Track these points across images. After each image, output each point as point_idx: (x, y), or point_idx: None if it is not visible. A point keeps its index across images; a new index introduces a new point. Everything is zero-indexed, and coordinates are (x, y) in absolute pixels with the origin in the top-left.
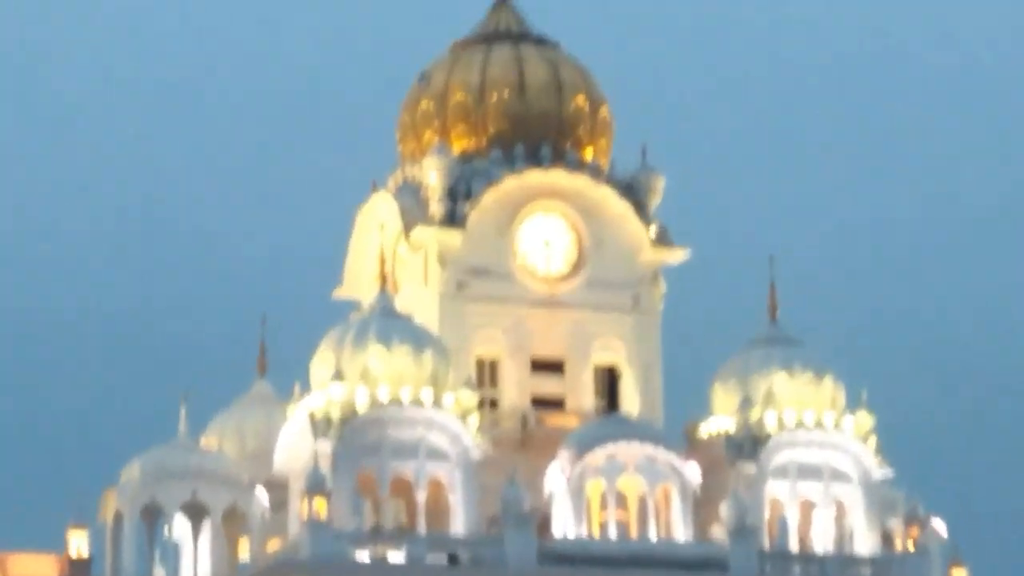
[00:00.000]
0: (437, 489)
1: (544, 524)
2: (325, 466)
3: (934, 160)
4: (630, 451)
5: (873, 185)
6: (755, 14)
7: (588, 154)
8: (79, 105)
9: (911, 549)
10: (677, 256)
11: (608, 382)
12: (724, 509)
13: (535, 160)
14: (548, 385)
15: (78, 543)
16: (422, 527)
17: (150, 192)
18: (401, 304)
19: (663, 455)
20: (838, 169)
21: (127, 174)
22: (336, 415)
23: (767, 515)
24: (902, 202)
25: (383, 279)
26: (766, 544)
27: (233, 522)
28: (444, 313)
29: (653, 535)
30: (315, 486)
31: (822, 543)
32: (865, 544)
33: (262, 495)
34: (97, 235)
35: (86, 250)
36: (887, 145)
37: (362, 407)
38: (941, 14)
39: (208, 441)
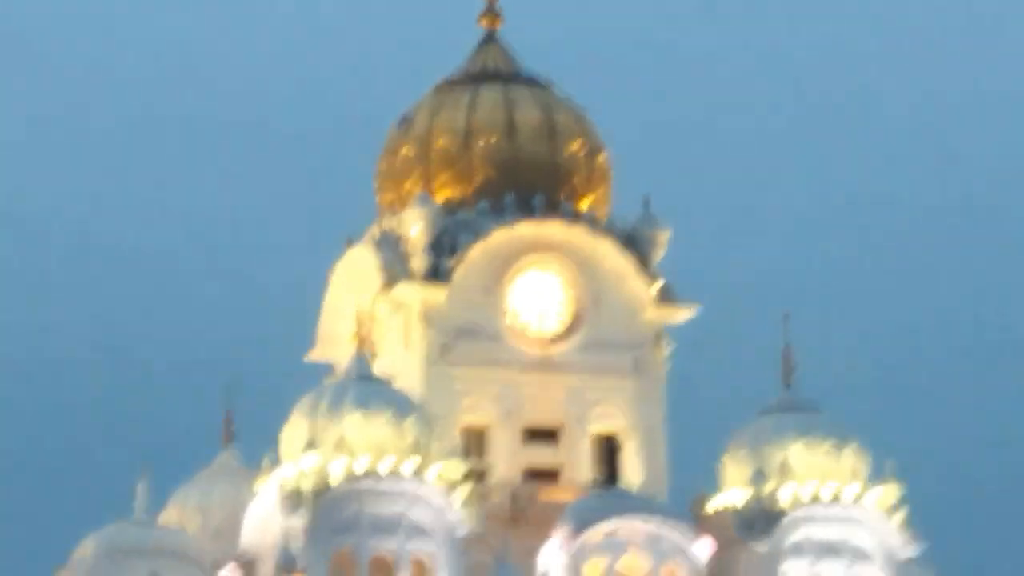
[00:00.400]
0: (420, 570)
1: None
2: (297, 544)
3: (956, 205)
4: (632, 528)
5: (902, 239)
6: (773, 52)
7: (585, 204)
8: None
9: None
10: (683, 315)
11: (607, 452)
12: None
13: (527, 211)
14: (542, 456)
15: None
16: None
17: (108, 243)
18: (380, 368)
19: (669, 532)
20: (858, 220)
21: (85, 220)
22: (309, 488)
23: None
24: (927, 251)
25: (360, 341)
26: None
27: None
28: (428, 377)
29: None
30: (286, 566)
31: None
32: None
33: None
34: (49, 280)
35: (37, 298)
36: (909, 194)
37: (337, 479)
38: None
39: (168, 517)
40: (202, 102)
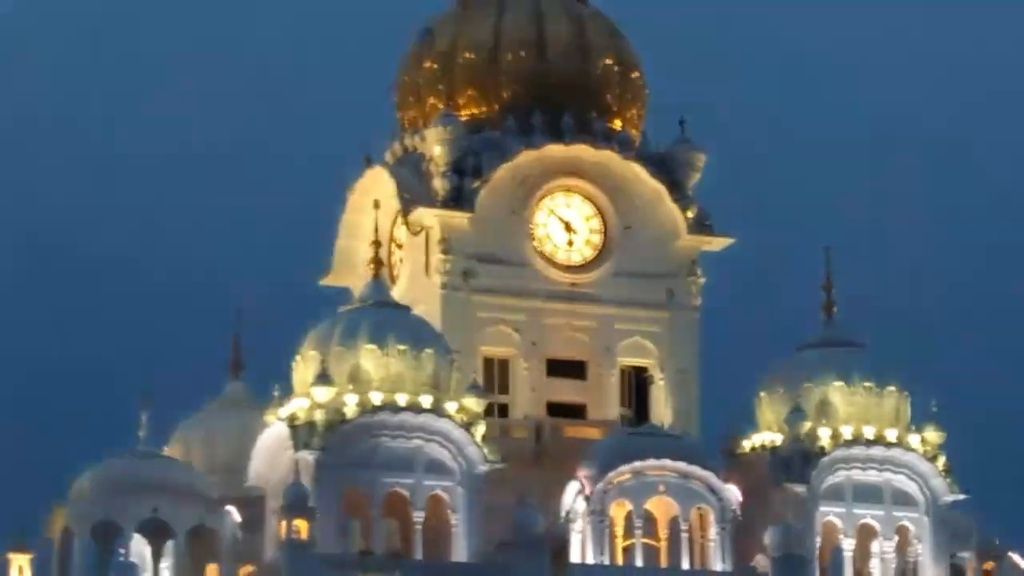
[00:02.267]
0: (437, 508)
1: (560, 550)
2: (307, 480)
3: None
4: (660, 468)
5: (948, 161)
6: None
7: (617, 125)
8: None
9: None
10: (718, 244)
11: (637, 388)
12: (769, 536)
13: (555, 131)
14: (567, 390)
15: (19, 567)
16: (419, 552)
17: (113, 154)
18: (398, 295)
19: (699, 473)
20: (906, 143)
21: (85, 129)
22: (321, 422)
23: (819, 543)
24: (979, 183)
25: (377, 266)
26: None
27: (200, 544)
28: (448, 306)
29: (686, 564)
30: (295, 504)
31: None
32: None
33: (234, 513)
34: (50, 196)
35: (36, 216)
36: (962, 118)
37: (351, 413)
38: None
39: (172, 451)
40: (220, 12)
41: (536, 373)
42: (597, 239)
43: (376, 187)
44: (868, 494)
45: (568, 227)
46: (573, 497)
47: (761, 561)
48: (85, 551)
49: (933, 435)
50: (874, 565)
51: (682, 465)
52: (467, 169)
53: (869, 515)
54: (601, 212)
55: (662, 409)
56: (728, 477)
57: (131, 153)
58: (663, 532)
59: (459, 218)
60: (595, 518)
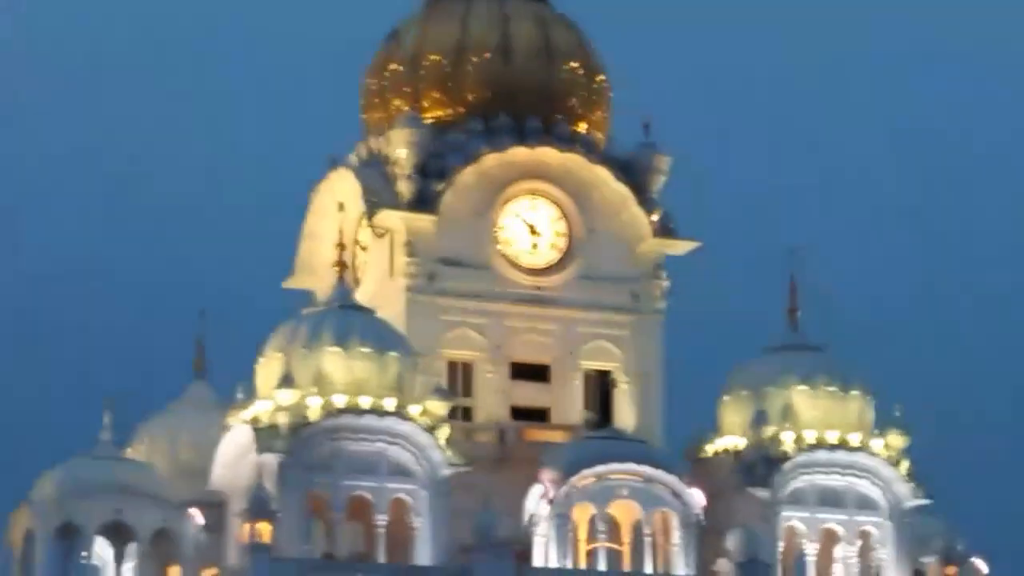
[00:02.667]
0: (400, 511)
1: (523, 554)
2: (270, 483)
3: (979, 138)
4: (624, 472)
5: (911, 166)
6: None
7: (582, 128)
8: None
9: None
10: (683, 247)
11: (600, 391)
12: (732, 540)
13: (520, 134)
14: (531, 394)
15: None
16: (382, 555)
17: (76, 158)
18: (362, 297)
19: (662, 477)
20: (871, 146)
21: (54, 136)
22: (284, 424)
23: (782, 548)
24: (943, 185)
25: (341, 268)
26: None
27: (162, 546)
28: (412, 309)
29: (649, 568)
30: (258, 506)
31: None
32: None
33: (196, 516)
34: (18, 197)
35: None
36: (927, 120)
37: (314, 415)
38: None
39: (135, 452)
40: (181, 8)
41: (500, 376)
42: (562, 242)
43: (340, 189)
44: (831, 499)
45: (533, 230)
46: (537, 501)
47: (724, 566)
48: (47, 553)
49: (896, 440)
50: (837, 570)
51: (646, 469)
52: (432, 172)
53: (832, 520)
54: (566, 215)
55: (626, 413)
56: (691, 481)
57: (94, 149)
58: (626, 536)
59: (423, 221)
60: (558, 522)
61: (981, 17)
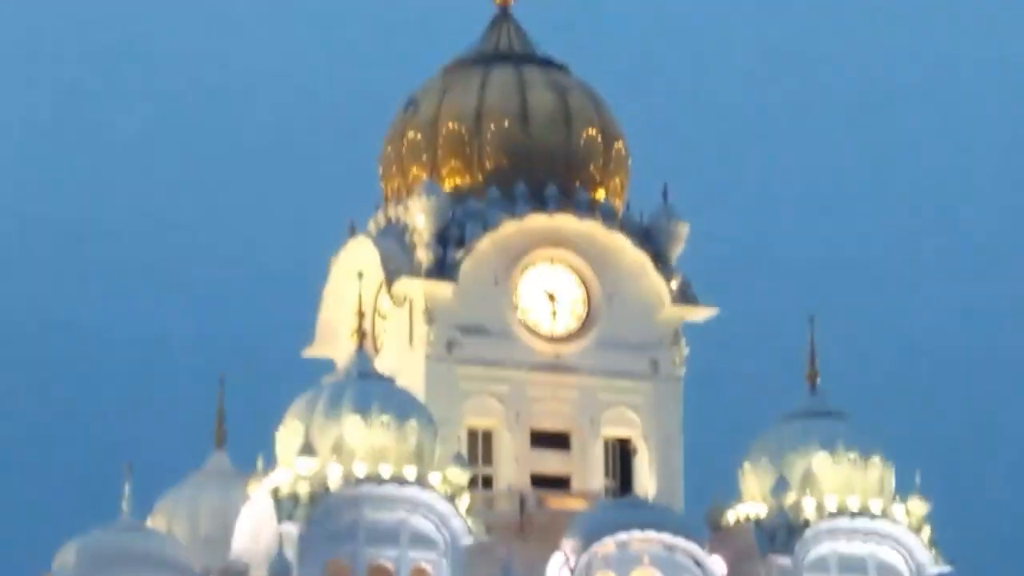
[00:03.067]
0: None
1: None
2: (291, 553)
3: (995, 206)
4: (645, 540)
5: (931, 224)
6: (796, 44)
7: (600, 195)
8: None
9: None
10: (702, 314)
11: (621, 459)
12: None
13: (539, 201)
14: (551, 462)
15: None
16: None
17: (93, 229)
18: (382, 365)
19: (683, 545)
20: (887, 216)
21: (77, 204)
22: (304, 493)
23: None
24: (961, 246)
25: (361, 336)
26: None
27: None
28: (431, 377)
29: None
30: (280, 575)
31: None
32: None
33: None
34: (31, 267)
35: (17, 283)
36: (944, 187)
37: (335, 485)
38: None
39: (156, 522)
40: (200, 79)
41: (520, 444)
42: (581, 309)
43: (360, 257)
44: (853, 566)
45: (552, 298)
46: (557, 569)
47: None
48: None
49: (918, 506)
50: None
51: (667, 536)
52: (451, 239)
53: None
54: (585, 282)
55: (646, 480)
56: (713, 548)
57: (117, 219)
58: None
59: (443, 288)
60: None
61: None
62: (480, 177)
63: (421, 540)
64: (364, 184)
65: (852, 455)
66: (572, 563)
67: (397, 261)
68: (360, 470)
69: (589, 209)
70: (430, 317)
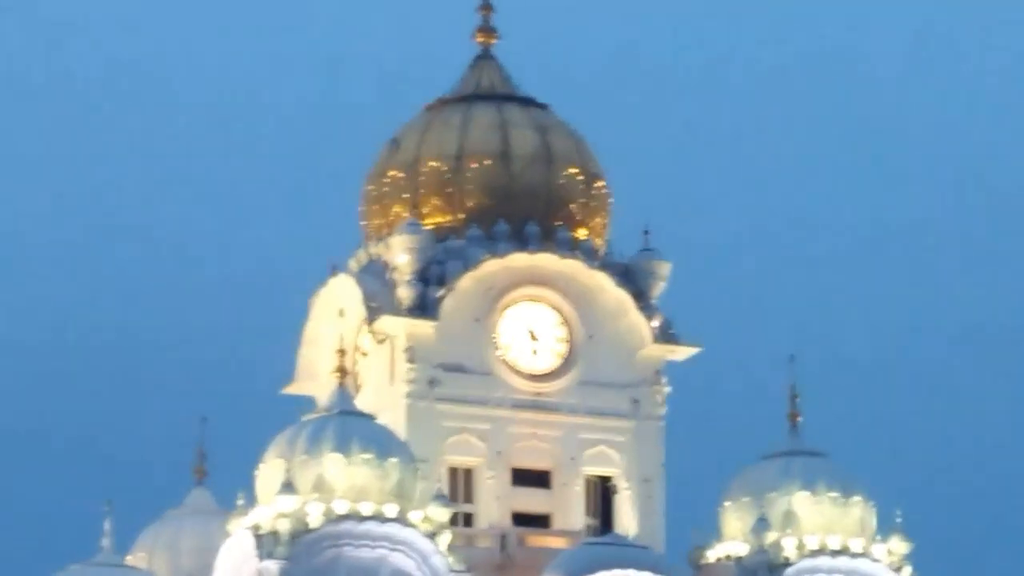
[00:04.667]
0: None
1: None
2: None
3: (974, 250)
4: None
5: (910, 276)
6: (781, 76)
7: (581, 234)
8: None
9: None
10: (683, 353)
11: (602, 497)
12: None
13: (520, 240)
14: (532, 500)
15: None
16: None
17: (78, 263)
18: (363, 404)
19: None
20: (867, 257)
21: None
22: (285, 531)
23: None
24: (943, 295)
25: (342, 374)
26: None
27: None
28: (413, 415)
29: None
30: None
31: None
32: None
33: None
34: (18, 299)
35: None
36: (924, 230)
37: (315, 522)
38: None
39: (136, 558)
40: (182, 121)
41: (501, 482)
42: (562, 348)
43: (341, 295)
44: None
45: (533, 336)
46: None
47: None
48: None
49: (899, 545)
50: None
51: (648, 575)
52: (432, 278)
53: None
54: (566, 321)
55: (627, 519)
56: None
57: (100, 255)
58: None
59: (424, 327)
60: None
61: None
62: (462, 216)
63: None
64: (345, 223)
65: (833, 494)
66: None
67: (378, 299)
68: (341, 507)
69: (570, 248)
70: (411, 355)
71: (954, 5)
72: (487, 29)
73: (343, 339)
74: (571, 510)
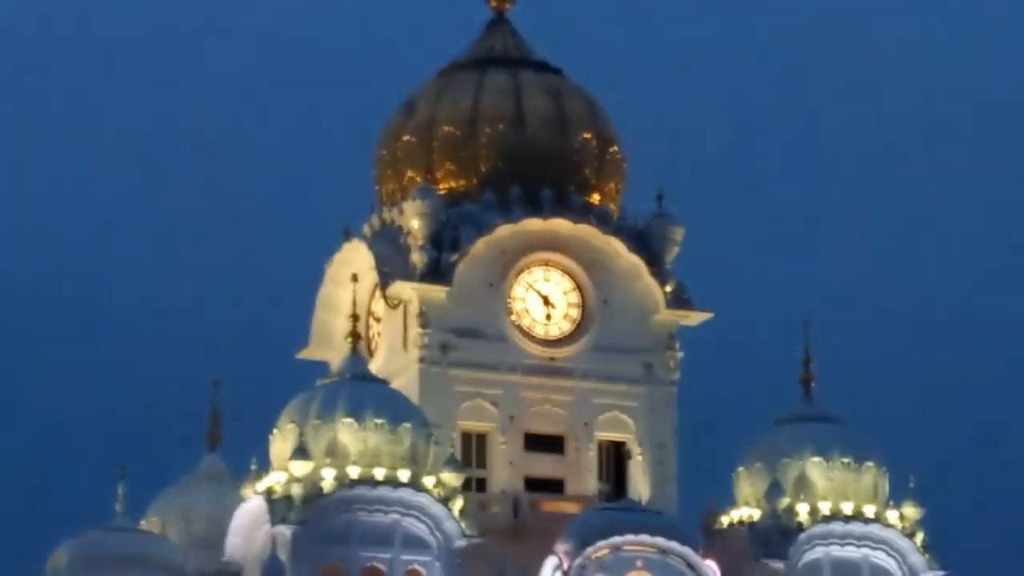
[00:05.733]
0: None
1: None
2: (284, 555)
3: (988, 214)
4: (639, 543)
5: (925, 241)
6: (794, 44)
7: (595, 199)
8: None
9: None
10: (696, 318)
11: (615, 462)
12: None
13: (533, 205)
14: (545, 465)
15: None
16: None
17: (88, 232)
18: (376, 368)
19: (677, 549)
20: (884, 224)
21: (71, 221)
22: (298, 496)
23: None
24: (959, 261)
25: (355, 339)
26: None
27: None
28: (426, 380)
29: None
30: None
31: None
32: None
33: None
34: (28, 287)
35: (12, 282)
36: (941, 199)
37: (328, 487)
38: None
39: (150, 523)
40: (196, 86)
41: (514, 447)
42: (575, 313)
43: (354, 260)
44: (847, 570)
45: (546, 301)
46: (551, 572)
47: None
48: None
49: (911, 511)
50: None
51: (660, 540)
52: (445, 243)
53: None
54: (579, 286)
55: (640, 484)
56: (706, 553)
57: (114, 227)
58: None
59: (437, 292)
60: None
61: None
62: (475, 180)
63: (414, 542)
64: (359, 187)
65: (846, 460)
66: (566, 566)
67: (392, 264)
68: (354, 472)
69: (584, 213)
70: (424, 320)
71: None
72: None
73: (356, 304)
74: (584, 475)
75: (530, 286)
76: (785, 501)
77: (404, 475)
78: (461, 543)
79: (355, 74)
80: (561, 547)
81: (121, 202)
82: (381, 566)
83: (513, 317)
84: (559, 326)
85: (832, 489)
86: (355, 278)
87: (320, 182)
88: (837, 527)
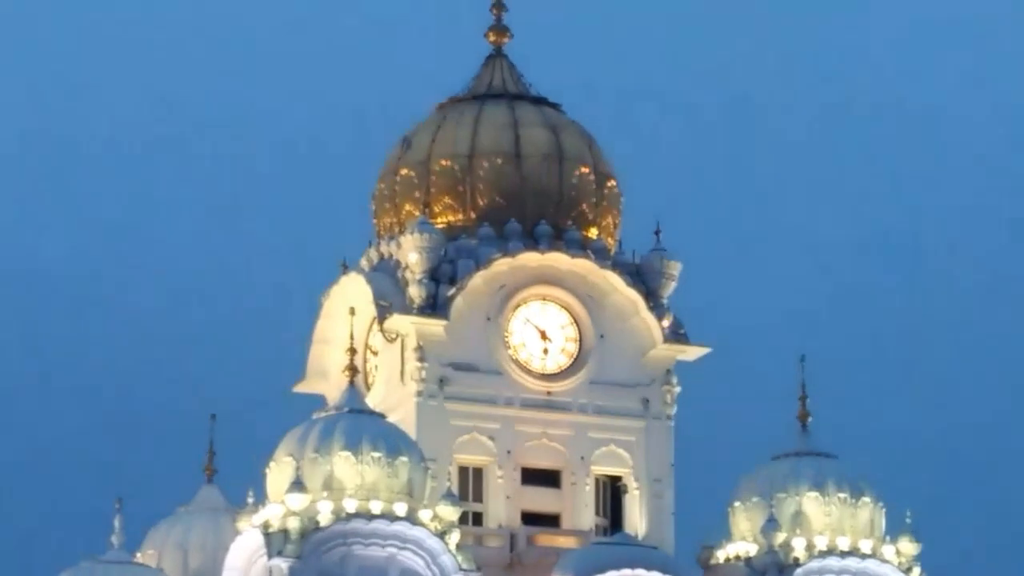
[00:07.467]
0: None
1: None
2: None
3: (980, 245)
4: None
5: (918, 276)
6: (793, 79)
7: (592, 234)
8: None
9: None
10: (694, 353)
11: (611, 497)
12: None
13: (531, 239)
14: (542, 499)
15: None
16: None
17: (83, 266)
18: (373, 402)
19: None
20: (878, 258)
21: (67, 236)
22: (294, 529)
23: None
24: (949, 294)
25: (352, 373)
26: None
27: None
28: (423, 414)
29: None
30: None
31: None
32: None
33: None
34: (25, 313)
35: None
36: (933, 230)
37: (325, 520)
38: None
39: (145, 556)
40: (191, 118)
41: (511, 482)
42: (572, 348)
43: (352, 293)
44: None
45: (543, 335)
46: None
47: None
48: None
49: (908, 546)
50: None
51: (658, 575)
52: (443, 277)
53: None
54: (576, 321)
55: (637, 518)
56: None
57: (106, 261)
58: None
59: (434, 326)
60: None
61: None
62: (473, 215)
63: None
64: (356, 221)
65: (842, 495)
66: None
67: (389, 298)
68: (350, 506)
69: (581, 247)
70: (422, 354)
71: None
72: (499, 28)
73: (354, 338)
74: (581, 510)
75: (527, 320)
76: (781, 536)
77: (401, 509)
78: None
79: (353, 108)
80: None
81: (112, 235)
82: None
83: (510, 351)
84: (556, 360)
85: (829, 524)
86: (353, 311)
87: (316, 215)
88: (834, 562)
